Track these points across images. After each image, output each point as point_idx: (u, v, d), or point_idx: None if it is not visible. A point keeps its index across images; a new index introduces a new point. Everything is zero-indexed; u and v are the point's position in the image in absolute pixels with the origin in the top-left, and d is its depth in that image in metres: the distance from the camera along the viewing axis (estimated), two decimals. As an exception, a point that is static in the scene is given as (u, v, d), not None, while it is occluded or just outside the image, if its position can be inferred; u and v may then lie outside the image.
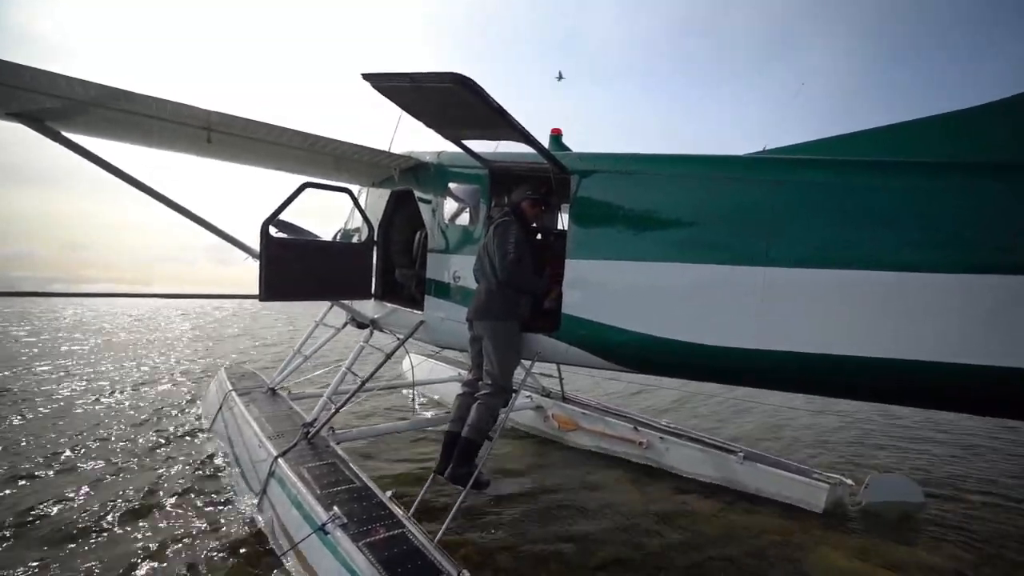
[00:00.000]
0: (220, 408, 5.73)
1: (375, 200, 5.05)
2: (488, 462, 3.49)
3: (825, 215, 2.60)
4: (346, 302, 5.09)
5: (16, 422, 6.02)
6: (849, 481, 4.60)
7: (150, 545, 3.53)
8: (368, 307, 5.04)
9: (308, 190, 4.03)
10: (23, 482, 4.42)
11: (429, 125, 3.10)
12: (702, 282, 2.85)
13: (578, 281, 3.30)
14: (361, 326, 5.40)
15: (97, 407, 6.80)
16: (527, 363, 3.70)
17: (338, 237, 5.78)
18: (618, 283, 3.13)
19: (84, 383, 8.13)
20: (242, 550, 3.49)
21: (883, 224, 2.47)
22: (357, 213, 4.84)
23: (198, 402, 7.10)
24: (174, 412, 6.68)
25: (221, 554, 3.46)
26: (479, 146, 3.66)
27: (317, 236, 5.42)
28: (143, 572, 3.25)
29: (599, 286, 3.22)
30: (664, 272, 2.98)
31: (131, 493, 4.28)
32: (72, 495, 4.21)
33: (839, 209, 2.57)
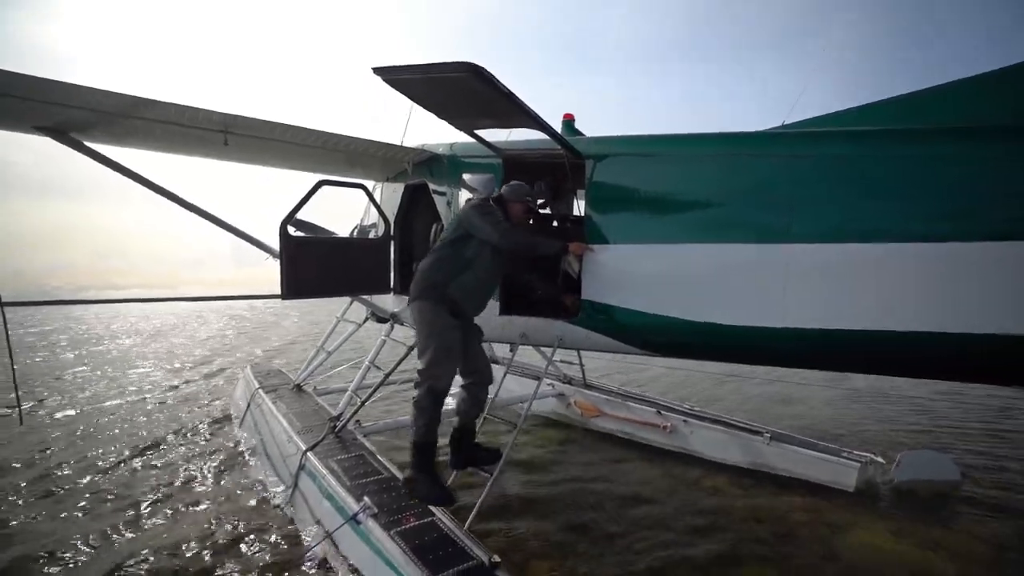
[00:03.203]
0: (248, 406, 5.87)
1: (390, 195, 5.07)
2: (512, 452, 3.50)
3: (849, 187, 2.54)
4: (366, 297, 5.15)
5: (69, 418, 6.26)
6: (880, 459, 4.52)
7: (188, 538, 3.65)
8: (388, 301, 5.09)
9: (323, 188, 4.07)
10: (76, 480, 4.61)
11: (441, 116, 3.09)
12: (725, 262, 2.82)
13: (597, 266, 3.28)
14: (381, 320, 5.47)
15: (138, 407, 7.03)
16: (548, 350, 3.71)
17: (355, 233, 5.84)
18: (639, 267, 3.11)
19: (120, 386, 8.39)
20: (277, 541, 3.59)
21: (909, 194, 2.41)
22: (373, 209, 4.87)
23: (228, 400, 7.28)
24: (206, 411, 6.87)
25: (257, 545, 3.56)
26: (491, 135, 3.65)
27: (334, 233, 5.48)
28: (185, 563, 3.37)
29: (619, 270, 3.20)
30: (685, 253, 2.95)
31: (167, 489, 4.42)
32: (109, 489, 4.37)
33: (863, 181, 2.50)
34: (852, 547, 3.61)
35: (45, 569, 3.30)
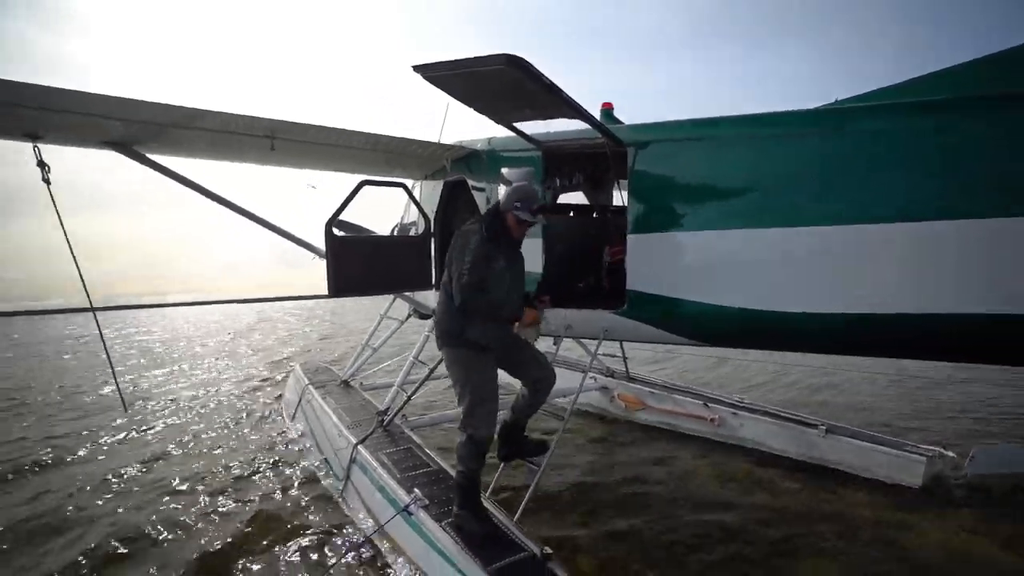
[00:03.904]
0: (300, 402, 6.08)
1: (429, 192, 5.13)
2: (557, 446, 3.49)
3: (922, 163, 2.37)
4: (408, 294, 5.24)
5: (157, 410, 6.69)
6: (950, 454, 4.25)
7: (248, 529, 3.81)
8: (430, 297, 5.15)
9: (365, 188, 4.16)
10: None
11: (481, 111, 3.10)
12: (779, 247, 2.71)
13: (642, 255, 3.22)
14: (424, 316, 5.55)
15: (202, 405, 7.42)
16: (592, 343, 3.67)
17: (395, 232, 5.94)
18: (687, 254, 3.04)
19: (189, 382, 8.88)
20: (333, 532, 3.71)
21: (985, 168, 2.24)
22: (412, 207, 4.94)
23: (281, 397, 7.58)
24: (262, 407, 7.18)
25: (314, 535, 3.69)
26: (528, 127, 3.63)
27: (374, 232, 5.59)
28: (245, 555, 3.52)
29: (666, 259, 3.13)
30: (736, 239, 2.85)
31: (229, 482, 4.64)
32: (174, 484, 4.63)
33: (936, 155, 2.34)
34: (923, 545, 3.41)
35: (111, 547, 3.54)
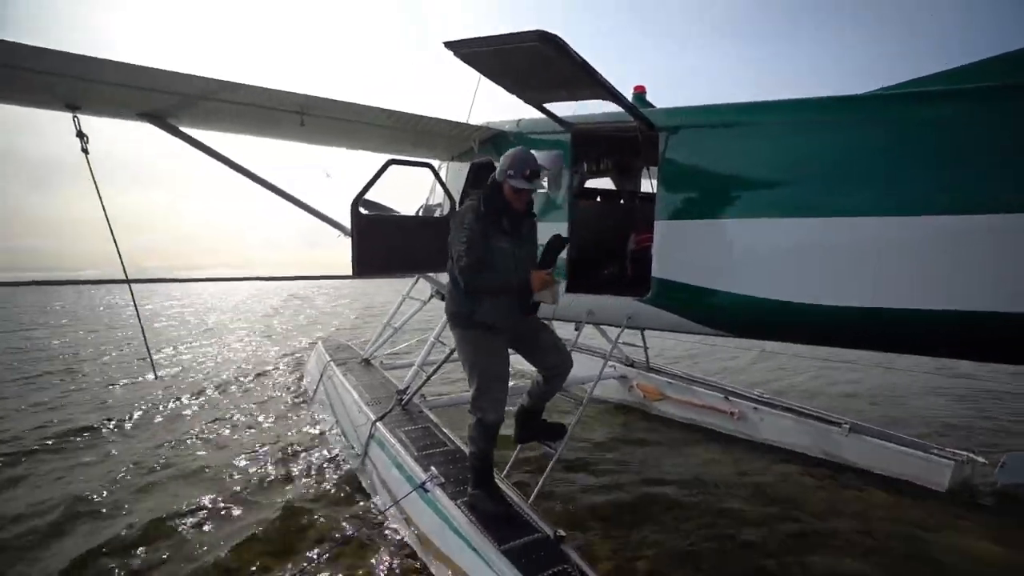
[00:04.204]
0: (321, 378, 6.20)
1: (455, 173, 5.11)
2: (575, 432, 3.47)
3: (965, 153, 2.26)
4: (431, 275, 5.26)
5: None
6: (981, 459, 4.11)
7: (266, 500, 3.92)
8: (452, 279, 5.17)
9: (392, 167, 4.16)
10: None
11: (511, 90, 3.05)
12: (813, 237, 2.63)
13: (670, 243, 3.16)
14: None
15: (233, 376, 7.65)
16: (615, 331, 3.63)
17: (420, 212, 5.95)
18: (717, 243, 2.96)
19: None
20: (349, 505, 3.80)
21: None
22: (438, 188, 4.93)
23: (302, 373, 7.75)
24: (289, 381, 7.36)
25: (332, 507, 3.78)
26: (558, 111, 3.57)
27: (397, 212, 5.61)
28: (259, 523, 3.62)
29: (695, 247, 3.06)
30: (769, 228, 2.77)
31: (252, 453, 4.78)
32: (208, 457, 4.79)
33: (977, 145, 2.22)
34: (944, 550, 3.32)
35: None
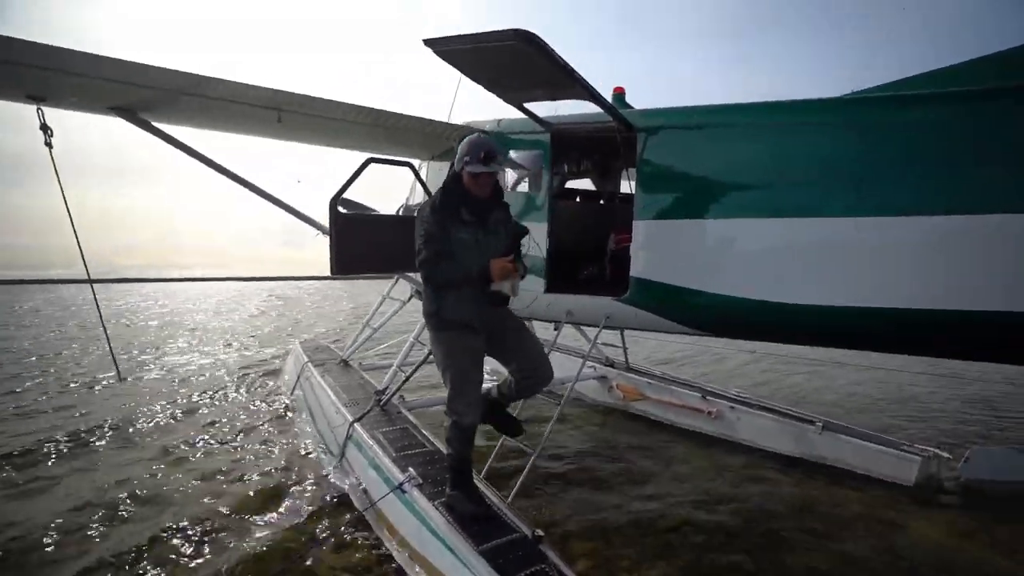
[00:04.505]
0: (298, 379, 6.10)
1: (436, 173, 5.10)
2: (553, 432, 3.47)
3: (933, 155, 2.34)
4: (411, 274, 5.22)
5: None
6: (946, 454, 4.24)
7: (242, 502, 3.84)
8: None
9: (372, 165, 4.12)
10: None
11: (491, 89, 3.05)
12: (788, 237, 2.68)
13: (648, 242, 3.20)
14: (425, 298, 5.53)
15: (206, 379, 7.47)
16: (592, 331, 3.65)
17: (400, 212, 5.91)
18: (694, 243, 3.01)
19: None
20: (326, 508, 3.73)
21: (998, 160, 2.20)
22: (419, 187, 4.91)
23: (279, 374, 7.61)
24: (262, 383, 7.22)
25: (308, 509, 3.72)
26: (537, 111, 3.58)
27: (376, 211, 5.56)
28: (237, 525, 3.55)
29: (672, 247, 3.11)
30: (745, 228, 2.82)
31: (226, 456, 4.68)
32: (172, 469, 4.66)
33: (945, 147, 2.30)
34: (911, 543, 3.43)
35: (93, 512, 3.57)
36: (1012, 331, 2.22)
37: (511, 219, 2.89)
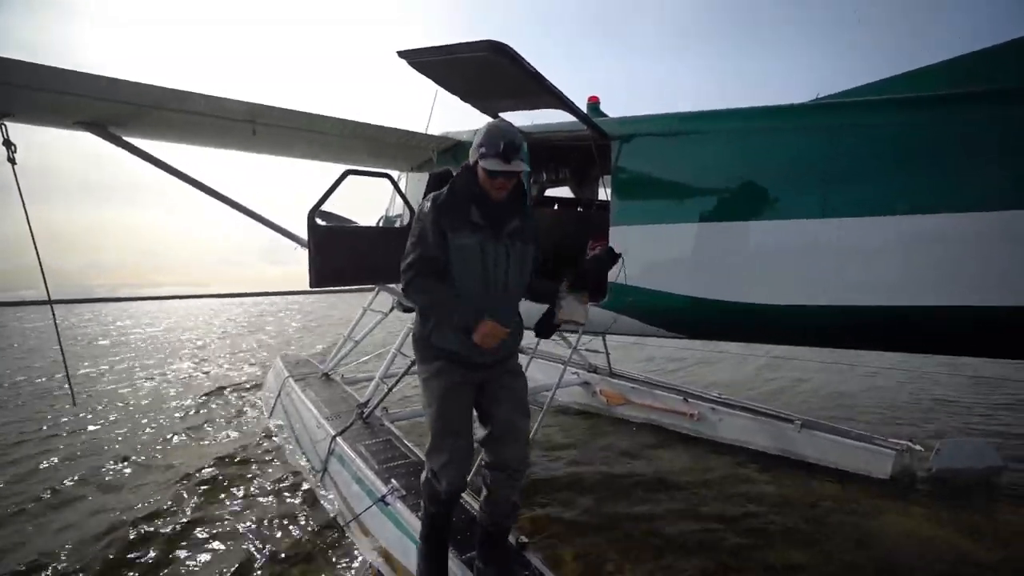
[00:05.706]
0: (279, 393, 6.00)
1: (415, 184, 5.11)
2: (537, 439, 3.47)
3: (896, 158, 2.44)
4: (392, 286, 5.20)
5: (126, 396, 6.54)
6: (918, 447, 4.37)
7: (223, 519, 3.76)
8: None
9: (350, 177, 4.11)
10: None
11: (465, 99, 3.10)
12: (760, 239, 2.76)
13: (624, 248, 3.25)
14: (408, 310, 5.50)
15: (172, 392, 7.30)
16: (572, 338, 3.68)
17: (380, 224, 5.90)
18: (670, 247, 3.07)
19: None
20: (308, 522, 3.67)
21: (958, 162, 2.30)
22: (398, 199, 4.91)
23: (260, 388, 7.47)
24: (241, 397, 7.08)
25: (289, 526, 3.65)
26: (515, 120, 3.63)
27: (356, 223, 5.53)
28: (220, 544, 3.47)
29: (648, 251, 3.16)
30: (719, 232, 2.90)
31: (209, 472, 4.57)
32: (148, 479, 4.55)
33: (907, 150, 2.41)
34: (887, 533, 3.52)
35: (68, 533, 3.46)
36: (979, 325, 2.32)
37: (534, 234, 2.26)
